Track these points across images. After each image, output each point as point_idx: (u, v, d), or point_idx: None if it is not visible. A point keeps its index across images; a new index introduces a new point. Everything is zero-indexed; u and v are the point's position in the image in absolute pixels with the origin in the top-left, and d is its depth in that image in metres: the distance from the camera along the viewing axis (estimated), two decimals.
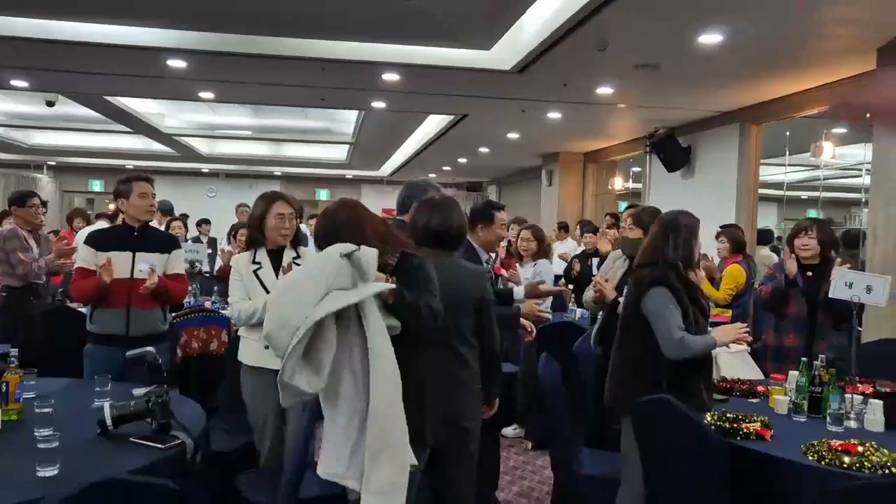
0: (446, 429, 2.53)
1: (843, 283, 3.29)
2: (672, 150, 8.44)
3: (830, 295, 3.43)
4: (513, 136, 10.15)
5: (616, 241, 5.16)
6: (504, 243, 5.22)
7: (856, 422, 3.13)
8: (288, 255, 3.27)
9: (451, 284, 2.52)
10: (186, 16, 5.37)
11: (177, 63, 6.15)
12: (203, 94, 7.80)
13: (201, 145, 14.65)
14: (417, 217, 2.72)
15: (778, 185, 8.11)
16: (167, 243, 3.65)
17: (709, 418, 2.88)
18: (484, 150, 11.97)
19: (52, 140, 14.53)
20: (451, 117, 8.88)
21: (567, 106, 7.75)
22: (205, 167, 17.12)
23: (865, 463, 2.48)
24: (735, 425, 2.84)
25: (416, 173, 17.22)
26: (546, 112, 8.15)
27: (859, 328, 5.11)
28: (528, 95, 7.08)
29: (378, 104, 8.02)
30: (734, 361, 4.56)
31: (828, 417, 3.07)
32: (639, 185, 10.22)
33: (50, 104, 8.22)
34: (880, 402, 3.13)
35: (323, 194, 19.27)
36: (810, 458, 2.55)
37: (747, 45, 5.26)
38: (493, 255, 4.09)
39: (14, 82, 7.33)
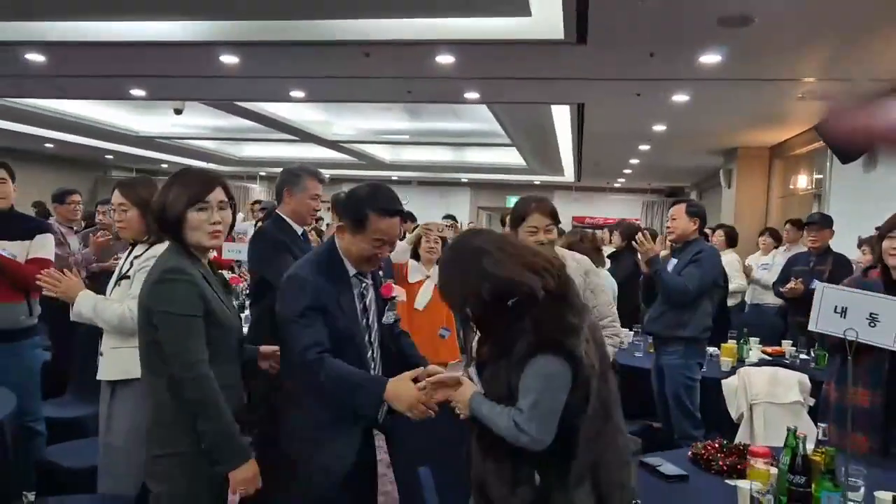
0: None
1: (830, 309, 1.97)
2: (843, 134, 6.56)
3: (810, 328, 2.11)
4: (659, 128, 8.77)
5: None
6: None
7: None
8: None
9: None
10: (228, 6, 5.18)
11: (229, 59, 6.08)
12: (294, 94, 7.73)
13: (382, 153, 15.01)
14: None
15: None
16: (30, 229, 3.41)
17: None
18: (644, 147, 10.60)
19: (259, 152, 15.87)
20: (568, 109, 7.86)
21: (688, 85, 6.37)
22: (394, 175, 17.54)
23: None
24: None
25: (597, 177, 16.08)
26: (670, 94, 6.80)
27: None
28: (614, 73, 5.92)
29: (471, 94, 7.31)
30: (782, 416, 3.21)
31: None
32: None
33: (178, 112, 8.75)
34: (889, 498, 1.82)
35: (513, 201, 18.80)
36: None
37: None
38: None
39: (134, 91, 7.90)
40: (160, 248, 2.61)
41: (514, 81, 6.53)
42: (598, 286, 3.08)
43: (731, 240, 6.83)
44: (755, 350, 4.78)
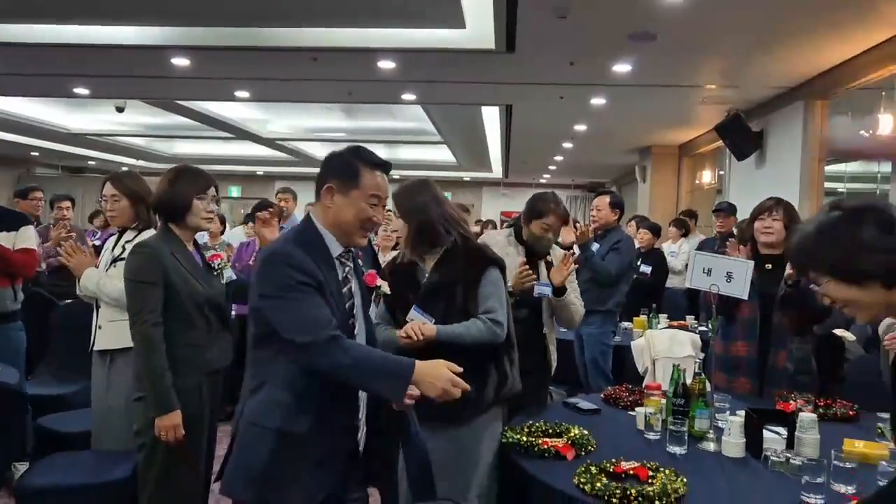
0: None
1: (700, 270, 2.61)
2: (739, 134, 7.43)
3: (687, 284, 2.76)
4: (580, 128, 9.53)
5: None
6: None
7: (714, 444, 2.50)
8: None
9: None
10: (186, 14, 5.51)
11: (180, 61, 6.40)
12: (239, 94, 8.07)
13: (317, 150, 15.30)
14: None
15: (839, 178, 6.83)
16: (15, 221, 3.78)
17: (508, 434, 2.43)
18: (567, 145, 11.37)
19: (191, 149, 15.88)
20: (497, 110, 8.49)
21: (604, 90, 7.09)
22: None
23: (632, 492, 1.94)
24: (532, 440, 2.37)
25: (524, 174, 16.87)
26: (588, 98, 7.52)
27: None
28: (539, 78, 6.57)
29: (408, 96, 7.84)
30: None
31: (667, 436, 2.48)
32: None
33: (120, 110, 8.93)
34: (739, 421, 2.45)
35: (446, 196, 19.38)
36: (576, 483, 2.03)
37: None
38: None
39: (77, 90, 8.07)
40: (148, 233, 3.08)
41: (449, 85, 7.11)
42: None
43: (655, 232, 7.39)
44: (663, 323, 5.50)
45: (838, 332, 4.65)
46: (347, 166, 1.96)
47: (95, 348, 3.16)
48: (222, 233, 6.52)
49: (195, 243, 2.78)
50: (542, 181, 18.65)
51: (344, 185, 1.94)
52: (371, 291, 2.25)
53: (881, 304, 1.43)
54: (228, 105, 10.19)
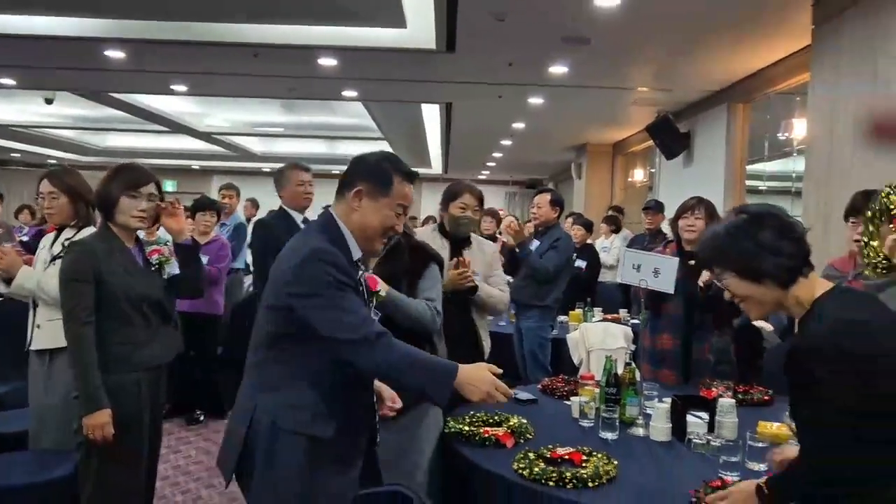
0: None
1: (630, 266, 2.79)
2: (668, 134, 7.76)
3: (618, 279, 2.93)
4: (518, 125, 9.74)
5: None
6: None
7: (643, 429, 2.66)
8: None
9: None
10: (123, 7, 5.41)
11: (115, 53, 6.28)
12: (175, 87, 7.96)
13: (255, 145, 15.12)
14: None
15: (759, 177, 7.25)
16: None
17: (451, 423, 2.54)
18: (506, 142, 11.59)
19: (124, 142, 15.45)
20: (438, 108, 8.62)
21: (541, 90, 7.29)
22: (265, 166, 17.64)
23: (567, 475, 2.07)
24: (474, 429, 2.48)
25: (463, 170, 17.05)
26: (526, 97, 7.71)
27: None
28: (479, 77, 6.72)
29: (350, 93, 7.88)
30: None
31: (600, 423, 2.64)
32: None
33: (49, 101, 8.67)
34: (665, 408, 2.63)
35: None
36: (515, 469, 2.15)
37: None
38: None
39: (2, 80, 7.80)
40: (88, 230, 3.07)
41: (390, 83, 7.18)
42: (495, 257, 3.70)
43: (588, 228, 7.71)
44: (598, 317, 5.72)
45: (757, 322, 4.96)
46: (382, 173, 1.93)
47: (33, 348, 3.11)
48: (158, 228, 6.41)
49: (137, 239, 2.78)
50: (482, 177, 18.88)
51: (375, 190, 1.91)
52: (371, 296, 2.17)
53: (774, 301, 1.62)
54: (164, 98, 9.99)
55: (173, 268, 2.81)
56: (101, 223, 2.72)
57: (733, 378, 3.31)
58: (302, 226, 3.89)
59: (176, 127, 11.81)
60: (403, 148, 13.68)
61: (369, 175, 1.93)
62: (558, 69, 6.37)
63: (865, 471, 1.50)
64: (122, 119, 11.46)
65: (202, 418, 5.16)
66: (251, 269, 6.82)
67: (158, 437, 2.87)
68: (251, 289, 6.25)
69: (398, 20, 5.36)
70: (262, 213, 9.76)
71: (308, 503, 1.86)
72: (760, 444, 2.23)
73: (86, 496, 2.56)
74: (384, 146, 13.75)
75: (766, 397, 3.09)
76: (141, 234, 3.06)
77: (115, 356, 2.54)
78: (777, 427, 2.56)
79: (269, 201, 11.84)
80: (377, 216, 1.92)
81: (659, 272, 2.79)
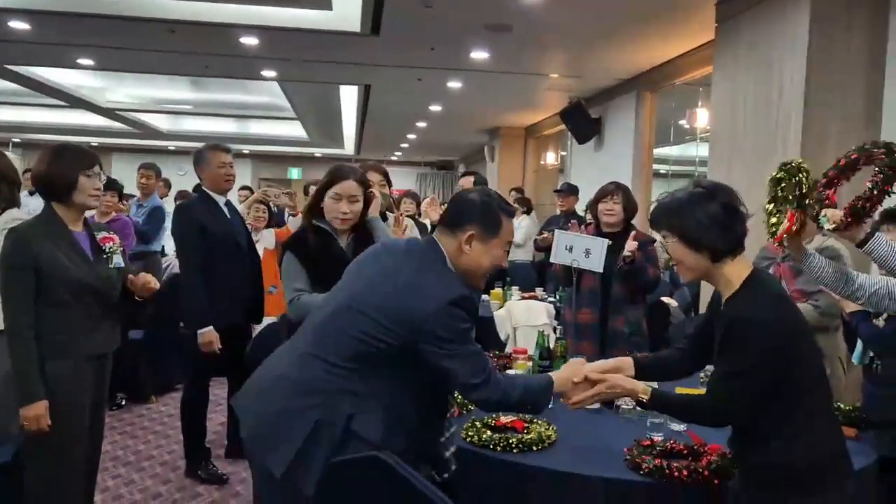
0: None
1: (563, 247, 3.00)
2: (580, 120, 8.11)
3: (552, 259, 3.15)
4: (435, 108, 9.86)
5: None
6: None
7: None
8: None
9: None
10: None
11: (20, 25, 5.95)
12: (82, 61, 7.61)
13: (160, 122, 14.52)
14: None
15: (665, 161, 7.75)
16: None
17: None
18: (421, 124, 11.70)
19: (18, 116, 14.47)
20: (356, 89, 8.62)
21: (461, 74, 7.44)
22: (171, 144, 17.00)
23: (513, 440, 2.23)
24: None
25: (376, 151, 17.07)
26: (446, 81, 7.85)
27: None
28: (400, 61, 6.81)
29: (268, 73, 7.77)
30: (535, 334, 4.33)
31: None
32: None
33: None
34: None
35: (295, 173, 19.15)
36: (464, 437, 2.30)
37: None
38: None
39: None
40: (15, 212, 2.99)
41: (311, 64, 7.14)
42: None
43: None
44: (516, 295, 5.98)
45: (665, 299, 5.35)
46: (492, 217, 1.97)
47: None
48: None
49: (86, 223, 2.71)
50: (394, 158, 18.92)
51: (485, 233, 1.95)
52: None
53: (704, 271, 1.84)
54: (62, 71, 9.46)
55: (120, 260, 2.74)
56: (45, 206, 2.62)
57: (646, 349, 3.59)
58: (224, 209, 3.78)
59: (74, 101, 11.20)
60: (317, 128, 13.54)
61: (480, 218, 1.96)
62: (479, 55, 6.53)
63: (763, 424, 1.76)
64: (11, 91, 10.77)
65: (123, 402, 5.08)
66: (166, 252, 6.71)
67: (102, 424, 2.85)
68: (171, 270, 6.13)
69: (324, 2, 5.35)
70: (172, 193, 9.53)
71: None
72: None
73: (27, 482, 2.53)
74: (297, 126, 13.56)
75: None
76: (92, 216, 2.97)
77: (54, 344, 2.49)
78: (691, 391, 2.83)
79: (178, 181, 11.56)
80: (487, 258, 1.99)
81: (590, 252, 3.00)
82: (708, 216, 1.79)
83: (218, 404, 4.52)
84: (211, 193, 3.75)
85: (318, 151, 17.76)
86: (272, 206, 5.30)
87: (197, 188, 4.43)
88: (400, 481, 1.58)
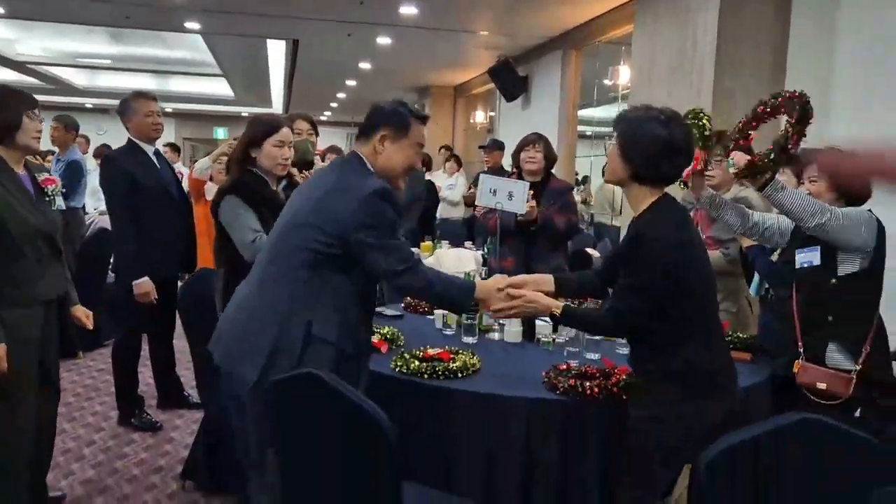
0: None
1: (487, 190, 3.14)
2: (508, 78, 8.23)
3: (476, 202, 3.29)
4: (365, 66, 9.81)
5: None
6: None
7: (499, 334, 3.04)
8: None
9: None
10: None
11: None
12: None
13: (76, 77, 13.90)
14: None
15: (589, 122, 8.02)
16: None
17: None
18: (351, 83, 11.61)
19: None
20: (284, 44, 8.48)
21: (390, 29, 7.43)
22: (88, 102, 16.30)
23: (439, 368, 2.37)
24: None
25: (305, 110, 16.79)
26: (375, 37, 7.82)
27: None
28: (329, 14, 6.75)
29: (192, 25, 7.56)
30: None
31: (462, 330, 2.98)
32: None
33: None
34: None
35: (220, 132, 18.64)
36: (394, 367, 2.42)
37: None
38: None
39: None
40: None
41: (236, 16, 6.98)
42: None
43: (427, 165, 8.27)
44: (445, 248, 6.12)
45: (588, 249, 5.60)
46: (400, 117, 2.14)
47: None
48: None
49: (26, 166, 2.64)
50: (323, 118, 18.67)
51: (396, 133, 2.13)
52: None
53: (620, 179, 2.02)
54: None
55: (61, 202, 2.72)
56: None
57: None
58: (153, 158, 3.74)
59: None
60: (243, 86, 13.24)
61: (390, 120, 2.14)
62: (409, 10, 6.54)
63: (660, 335, 1.95)
64: None
65: None
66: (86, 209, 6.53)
67: (57, 371, 2.81)
68: (94, 226, 6.00)
69: None
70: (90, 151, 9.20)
71: None
72: (596, 339, 2.68)
73: None
74: (222, 83, 13.22)
75: (596, 306, 3.59)
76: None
77: (5, 291, 2.43)
78: None
79: (96, 139, 11.13)
80: (400, 156, 2.15)
81: (513, 195, 3.14)
82: (649, 137, 1.93)
83: (146, 360, 4.49)
84: (139, 143, 3.70)
85: (244, 110, 17.35)
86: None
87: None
88: (335, 394, 1.69)
